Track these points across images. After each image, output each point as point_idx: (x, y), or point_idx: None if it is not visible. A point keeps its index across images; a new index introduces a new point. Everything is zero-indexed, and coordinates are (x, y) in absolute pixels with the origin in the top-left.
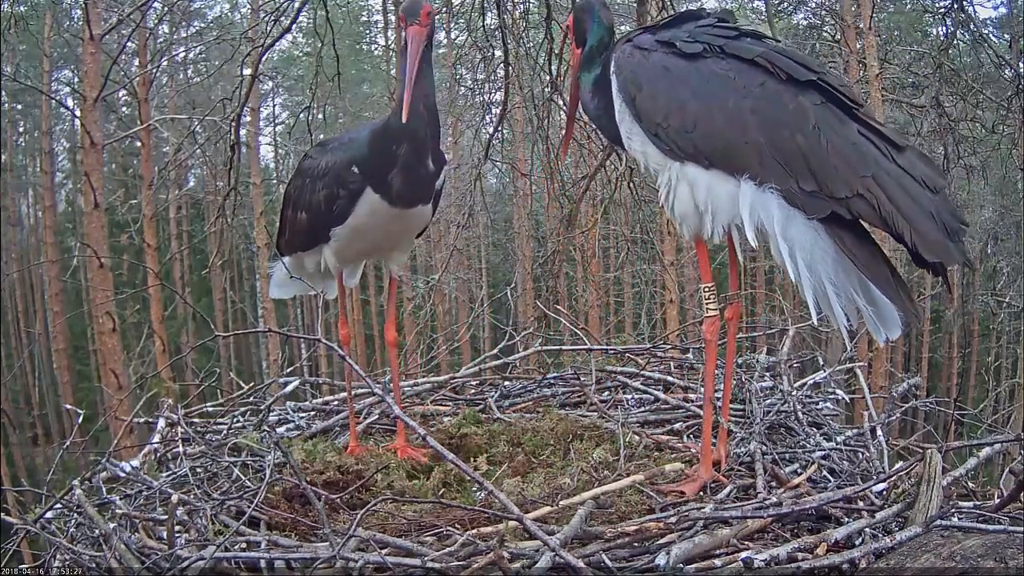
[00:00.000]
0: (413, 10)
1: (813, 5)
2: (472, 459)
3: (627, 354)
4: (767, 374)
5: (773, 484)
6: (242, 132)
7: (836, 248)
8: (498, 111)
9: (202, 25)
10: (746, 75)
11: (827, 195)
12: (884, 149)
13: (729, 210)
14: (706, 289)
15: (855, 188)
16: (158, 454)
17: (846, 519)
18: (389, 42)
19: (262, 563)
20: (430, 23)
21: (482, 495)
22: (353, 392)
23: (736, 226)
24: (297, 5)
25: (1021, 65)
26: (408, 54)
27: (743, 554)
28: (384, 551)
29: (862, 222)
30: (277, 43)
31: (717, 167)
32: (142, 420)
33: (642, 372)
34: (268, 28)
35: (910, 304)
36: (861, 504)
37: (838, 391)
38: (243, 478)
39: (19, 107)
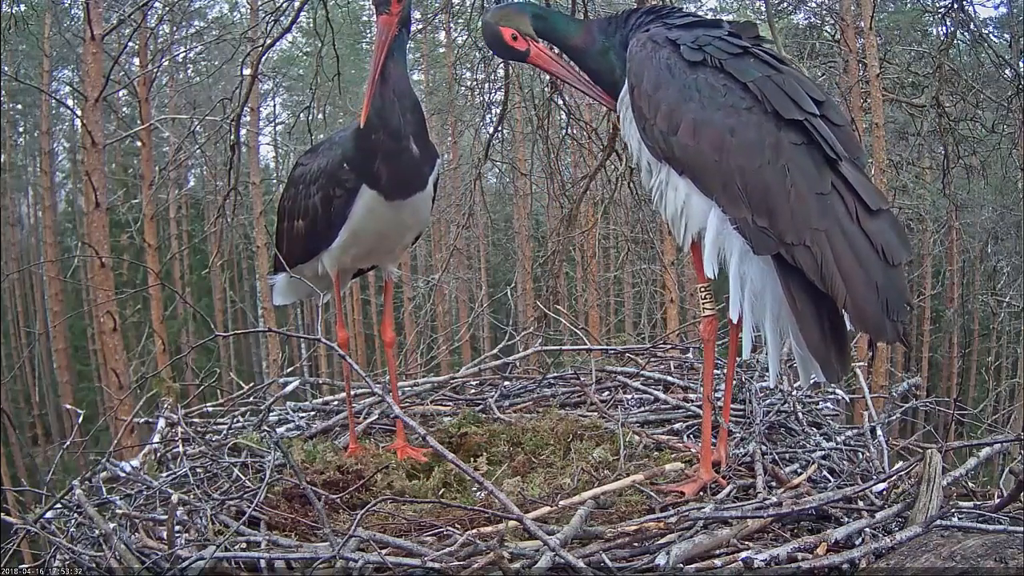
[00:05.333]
0: None
1: (813, 5)
2: (472, 459)
3: (627, 354)
4: (767, 374)
5: (773, 484)
6: (242, 132)
7: (782, 289)
8: (498, 111)
9: (202, 25)
10: (735, 96)
11: (776, 235)
12: (853, 208)
13: (699, 221)
14: (702, 289)
15: (803, 237)
16: (158, 454)
17: (846, 519)
18: None
19: (262, 563)
20: (401, 10)
21: (482, 495)
22: (353, 392)
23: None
24: (297, 5)
25: (1021, 65)
26: (375, 46)
27: (743, 554)
28: (384, 551)
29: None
30: (277, 43)
31: (688, 176)
32: (142, 420)
33: (642, 372)
34: (268, 28)
35: (836, 363)
36: (861, 504)
37: (838, 391)
38: (243, 478)
39: (19, 107)
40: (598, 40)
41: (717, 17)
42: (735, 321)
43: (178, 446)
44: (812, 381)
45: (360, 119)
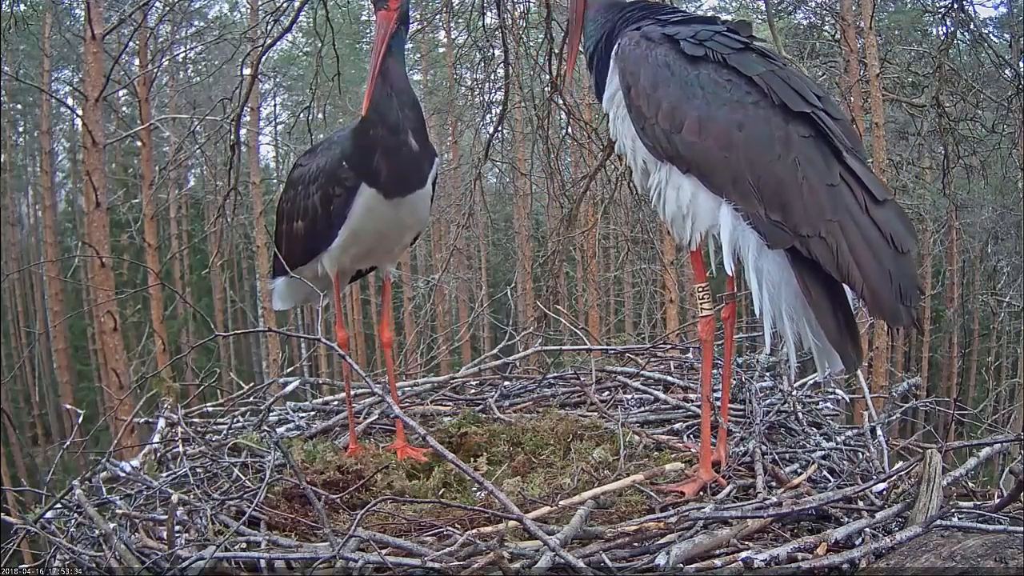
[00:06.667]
0: None
1: (813, 5)
2: (472, 459)
3: (627, 354)
4: (767, 374)
5: (773, 484)
6: (242, 132)
7: (797, 282)
8: (498, 111)
9: (202, 25)
10: (741, 91)
11: (790, 229)
12: (861, 198)
13: (708, 219)
14: (700, 289)
15: (818, 229)
16: (158, 454)
17: (846, 519)
18: None
19: (262, 563)
20: (399, 7)
21: (482, 495)
22: (353, 392)
23: (713, 236)
24: (297, 5)
25: (1021, 65)
26: (374, 42)
27: (743, 554)
28: (384, 551)
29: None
30: (277, 43)
31: (694, 174)
32: (142, 420)
33: (642, 372)
34: (268, 28)
35: (852, 351)
36: (861, 504)
37: (838, 391)
38: (243, 478)
39: (19, 107)
40: (600, 12)
41: (714, 15)
42: (759, 316)
43: (178, 446)
44: (828, 373)
45: (363, 108)
